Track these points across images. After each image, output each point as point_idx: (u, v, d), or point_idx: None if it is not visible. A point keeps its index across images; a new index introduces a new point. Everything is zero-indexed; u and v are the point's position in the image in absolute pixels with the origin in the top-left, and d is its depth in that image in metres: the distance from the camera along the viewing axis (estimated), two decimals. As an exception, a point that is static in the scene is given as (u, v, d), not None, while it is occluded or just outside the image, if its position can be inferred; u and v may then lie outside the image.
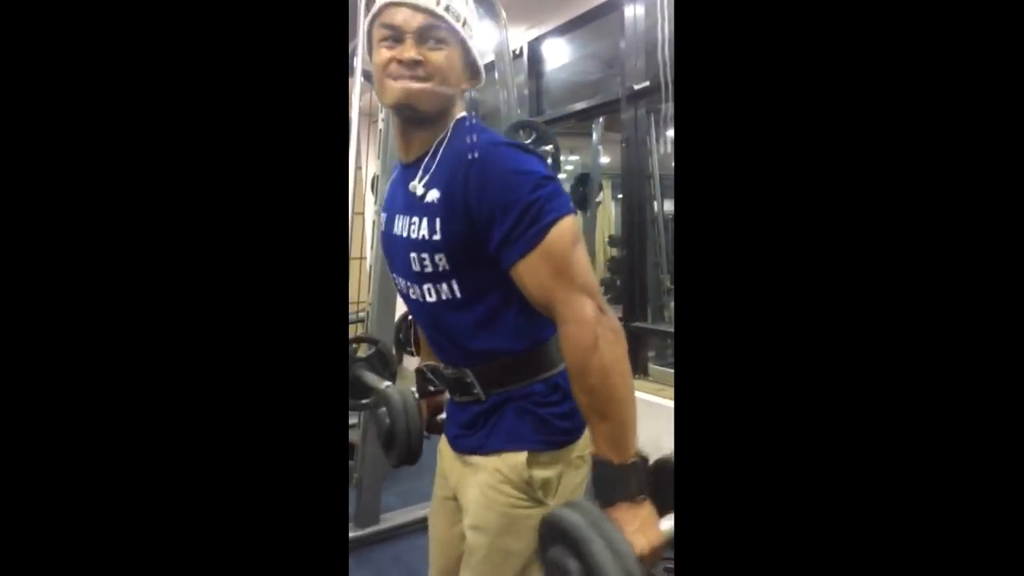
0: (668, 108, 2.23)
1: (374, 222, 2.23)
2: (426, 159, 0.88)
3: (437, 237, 0.84)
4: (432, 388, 1.13)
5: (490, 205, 0.79)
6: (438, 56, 0.84)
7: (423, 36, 0.84)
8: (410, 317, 1.17)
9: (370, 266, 2.23)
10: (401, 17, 0.84)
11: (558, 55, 3.27)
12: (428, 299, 0.89)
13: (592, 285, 0.80)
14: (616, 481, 0.76)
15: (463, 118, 0.90)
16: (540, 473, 0.89)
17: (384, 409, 1.07)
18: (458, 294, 0.86)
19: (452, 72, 0.86)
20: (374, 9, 0.87)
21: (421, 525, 2.28)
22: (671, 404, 2.53)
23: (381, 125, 2.20)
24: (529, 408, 0.90)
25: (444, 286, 0.87)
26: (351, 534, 2.18)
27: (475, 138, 0.84)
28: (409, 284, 0.92)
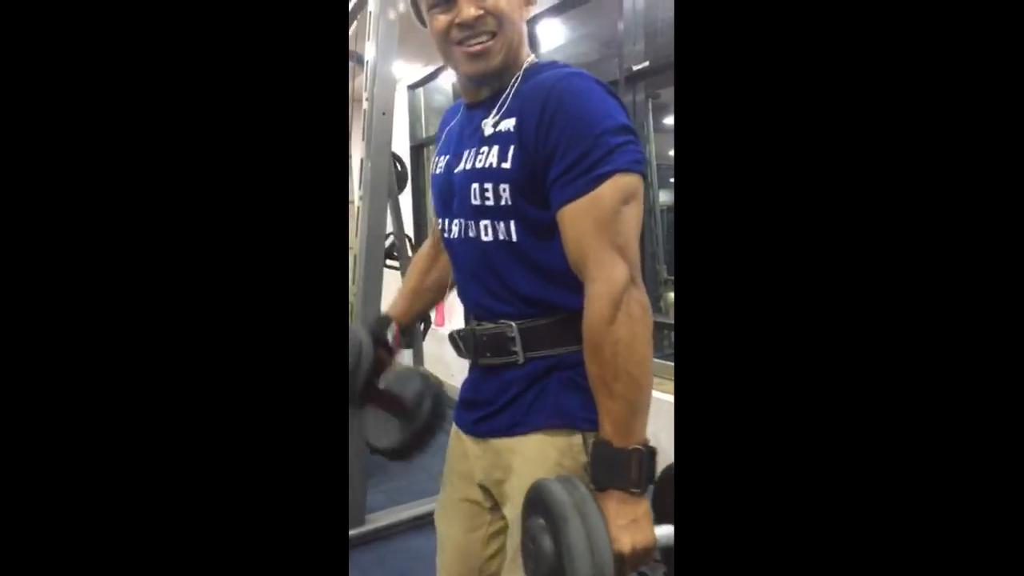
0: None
1: (359, 208, 2.12)
2: (500, 97, 0.82)
3: (507, 165, 0.77)
4: (388, 343, 1.01)
5: (558, 134, 0.73)
6: (496, 1, 0.77)
7: None
8: (393, 315, 1.07)
9: (355, 256, 2.12)
10: None
11: (553, 36, 3.18)
12: (484, 238, 0.81)
13: (633, 252, 0.73)
14: (612, 465, 0.69)
15: (535, 63, 0.84)
16: (586, 458, 0.79)
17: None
18: (514, 236, 0.79)
19: (514, 6, 0.80)
20: None
21: (410, 525, 2.19)
22: (668, 397, 2.43)
23: (365, 106, 2.09)
24: (577, 380, 0.80)
25: (502, 225, 0.79)
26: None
27: (559, 70, 0.79)
28: (464, 222, 0.84)
